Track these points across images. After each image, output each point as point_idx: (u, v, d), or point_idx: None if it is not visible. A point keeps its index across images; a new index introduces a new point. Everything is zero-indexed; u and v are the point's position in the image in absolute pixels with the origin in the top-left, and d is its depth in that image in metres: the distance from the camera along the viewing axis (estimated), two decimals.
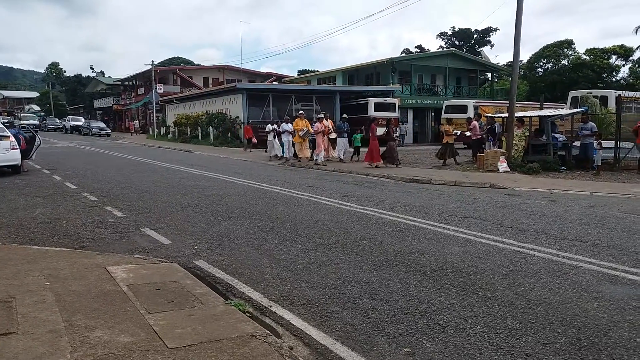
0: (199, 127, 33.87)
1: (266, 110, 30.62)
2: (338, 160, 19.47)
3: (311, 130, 19.00)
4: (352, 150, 20.36)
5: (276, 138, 21.01)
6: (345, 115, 21.70)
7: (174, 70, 55.76)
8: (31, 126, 45.87)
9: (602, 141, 15.86)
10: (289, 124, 20.16)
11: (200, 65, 63.13)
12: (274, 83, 46.83)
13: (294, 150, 20.00)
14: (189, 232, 7.25)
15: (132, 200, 10.04)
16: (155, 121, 45.20)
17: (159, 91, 46.88)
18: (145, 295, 4.47)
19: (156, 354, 3.35)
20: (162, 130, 42.71)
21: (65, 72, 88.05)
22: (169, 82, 54.30)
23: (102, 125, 50.62)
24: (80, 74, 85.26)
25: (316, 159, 18.42)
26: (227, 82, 48.10)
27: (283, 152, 20.60)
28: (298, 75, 59.88)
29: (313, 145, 19.42)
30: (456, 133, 20.10)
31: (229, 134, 30.68)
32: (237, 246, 6.45)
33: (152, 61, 46.72)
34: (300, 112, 20.38)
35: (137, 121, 54.05)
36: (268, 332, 3.80)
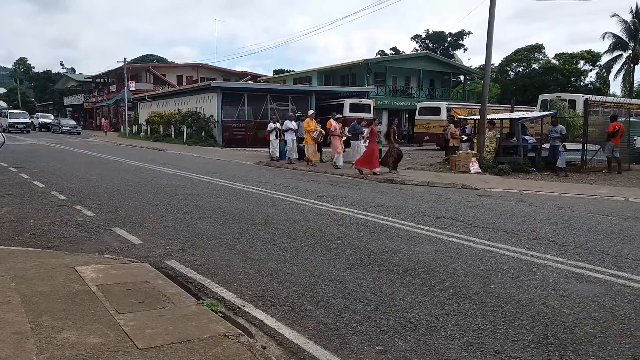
0: (172, 126, 33.45)
1: (241, 109, 30.43)
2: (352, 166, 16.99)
3: (323, 132, 17.58)
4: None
5: (278, 138, 19.65)
6: (361, 116, 20.00)
7: (147, 68, 54.91)
8: (21, 125, 44.70)
9: (571, 144, 16.28)
10: (293, 122, 18.87)
11: (174, 63, 62.34)
12: (249, 82, 46.54)
13: (297, 152, 18.65)
14: (161, 231, 7.15)
15: (103, 199, 9.85)
16: (127, 119, 44.43)
17: (131, 89, 46.08)
18: (115, 296, 4.39)
19: (126, 354, 3.30)
20: (134, 128, 42.03)
21: (34, 68, 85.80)
22: (142, 80, 53.46)
23: (73, 122, 49.44)
24: (50, 70, 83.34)
25: (336, 163, 16.81)
26: (202, 80, 47.57)
27: (285, 153, 19.23)
28: (274, 74, 59.70)
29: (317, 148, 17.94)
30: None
31: (203, 133, 30.38)
32: (210, 246, 6.40)
33: (125, 58, 45.91)
34: (311, 111, 18.92)
35: (108, 118, 53.04)
36: (241, 332, 3.78)
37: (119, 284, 4.70)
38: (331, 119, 17.36)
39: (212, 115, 30.36)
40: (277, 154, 19.66)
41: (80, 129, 48.55)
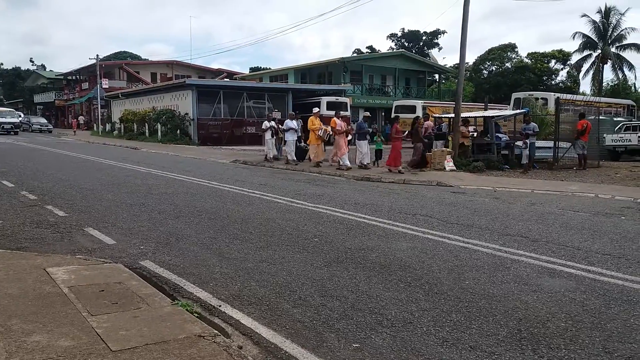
0: (147, 124, 32.97)
1: (217, 107, 30.18)
2: (359, 166, 16.22)
3: (328, 130, 16.52)
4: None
5: (274, 137, 18.69)
6: (367, 113, 19.18)
7: (120, 65, 53.98)
8: (8, 126, 37.32)
9: (543, 141, 16.65)
10: (294, 121, 17.92)
11: (148, 60, 61.28)
12: (225, 80, 46.15)
13: (294, 152, 17.77)
14: (135, 231, 7.03)
15: (75, 199, 9.64)
16: (100, 117, 43.60)
17: (104, 86, 45.23)
18: (87, 297, 4.30)
19: (98, 357, 3.23)
20: (108, 126, 41.29)
21: (2, 64, 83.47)
22: (115, 77, 52.53)
23: (44, 121, 48.26)
24: (19, 67, 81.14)
25: (342, 163, 15.85)
26: (176, 77, 47.06)
27: (279, 151, 18.69)
28: (250, 72, 59.32)
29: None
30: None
31: (178, 131, 30.02)
32: (185, 246, 6.32)
33: (97, 55, 44.92)
34: (316, 109, 17.69)
35: (82, 116, 51.93)
36: (217, 332, 3.74)
37: (91, 285, 4.61)
38: (334, 118, 16.32)
39: (187, 113, 30.03)
40: (272, 154, 18.50)
41: (51, 127, 47.43)
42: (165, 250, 6.07)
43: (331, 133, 16.44)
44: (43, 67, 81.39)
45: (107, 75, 50.33)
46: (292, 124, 17.74)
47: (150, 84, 45.58)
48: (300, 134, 18.63)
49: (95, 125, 45.41)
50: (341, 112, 17.23)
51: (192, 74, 50.75)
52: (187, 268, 5.41)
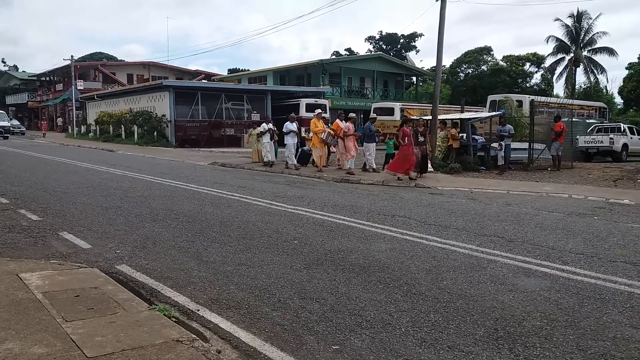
0: (123, 126, 32.50)
1: (195, 109, 29.93)
2: (367, 170, 15.77)
3: (332, 132, 15.90)
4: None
5: (272, 140, 17.88)
6: (374, 115, 18.68)
7: (96, 66, 53.18)
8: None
9: (518, 143, 16.95)
10: (294, 124, 17.03)
11: (124, 61, 60.51)
12: (203, 81, 45.83)
13: (295, 157, 16.90)
14: (111, 235, 6.92)
15: (49, 202, 9.44)
16: (75, 119, 42.81)
17: (79, 87, 44.49)
18: (62, 303, 4.22)
19: None
20: (83, 128, 40.57)
21: None
22: (90, 78, 51.74)
23: (16, 122, 47.19)
24: None
25: (350, 167, 15.09)
26: (153, 79, 46.54)
27: (276, 155, 17.93)
28: (228, 73, 58.95)
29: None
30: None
31: (155, 133, 29.67)
32: (162, 249, 6.25)
33: (72, 56, 44.16)
34: (318, 110, 16.72)
35: (60, 118, 50.84)
36: (195, 336, 3.71)
37: (66, 291, 4.52)
38: (338, 120, 15.78)
39: (164, 115, 29.70)
40: (270, 158, 17.55)
41: (24, 129, 46.42)
42: (142, 254, 5.99)
43: (334, 136, 15.90)
44: (15, 67, 79.54)
45: (82, 76, 49.54)
46: (293, 126, 16.88)
47: (127, 86, 45.00)
48: (377, 141, 16.94)
49: (70, 127, 44.57)
50: (351, 114, 16.41)
51: (169, 75, 50.22)
52: (165, 272, 5.34)
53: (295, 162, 16.80)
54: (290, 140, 16.73)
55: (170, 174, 14.84)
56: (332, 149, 16.93)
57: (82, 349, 3.38)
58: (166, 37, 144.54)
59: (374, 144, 15.96)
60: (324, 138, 15.75)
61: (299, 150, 17.46)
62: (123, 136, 31.99)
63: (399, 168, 13.77)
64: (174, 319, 4.04)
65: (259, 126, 18.62)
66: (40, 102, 59.35)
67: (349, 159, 15.18)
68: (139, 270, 5.38)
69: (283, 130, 16.97)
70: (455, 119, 18.58)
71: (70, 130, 43.50)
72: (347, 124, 15.48)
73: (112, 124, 34.32)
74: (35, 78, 62.11)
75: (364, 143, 15.81)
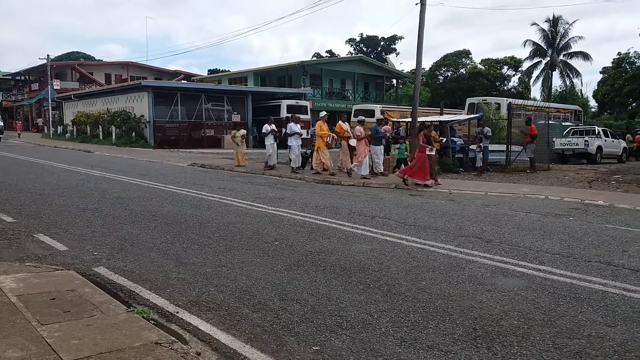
0: (100, 126, 32.01)
1: (174, 109, 29.67)
2: (376, 174, 15.31)
3: (335, 137, 15.49)
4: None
5: (276, 141, 17.32)
6: (382, 117, 18.42)
7: (73, 66, 52.26)
8: None
9: (496, 145, 17.21)
10: (299, 126, 16.41)
11: (102, 60, 59.58)
12: (183, 81, 45.42)
13: (299, 159, 16.37)
14: (88, 237, 6.81)
15: (24, 204, 9.25)
16: (51, 119, 42.00)
17: (55, 87, 43.65)
18: (38, 306, 4.14)
19: None
20: (59, 129, 39.83)
21: None
22: (67, 78, 50.81)
23: None
24: None
25: (354, 170, 14.73)
26: (132, 79, 45.98)
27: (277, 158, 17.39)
28: (208, 74, 58.54)
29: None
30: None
31: (134, 134, 29.29)
32: (141, 251, 6.17)
33: (48, 55, 43.35)
34: (323, 113, 15.93)
35: (41, 119, 49.71)
36: (174, 339, 3.67)
37: (42, 294, 4.43)
38: (340, 122, 15.46)
39: (143, 115, 29.35)
40: (273, 161, 17.18)
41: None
42: (120, 257, 5.91)
43: (337, 139, 15.54)
44: None
45: (59, 75, 48.65)
46: (297, 127, 16.24)
47: (105, 86, 44.35)
48: (384, 143, 16.22)
49: (46, 127, 43.71)
50: (344, 115, 16.14)
51: (148, 76, 49.71)
52: (143, 274, 5.28)
53: (299, 164, 16.37)
54: (295, 142, 16.16)
55: (149, 175, 14.67)
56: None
57: (58, 352, 3.32)
58: (145, 37, 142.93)
59: (381, 146, 15.63)
60: (329, 142, 15.40)
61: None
62: (101, 137, 31.51)
63: (422, 175, 13.10)
64: (152, 322, 4.00)
65: (241, 128, 18.36)
66: (15, 101, 58.09)
67: (357, 163, 14.65)
68: (116, 272, 5.31)
69: (287, 131, 16.38)
70: (435, 121, 18.77)
71: (46, 131, 42.68)
72: (359, 127, 14.97)
73: (90, 124, 33.77)
74: (10, 77, 60.74)
75: (371, 146, 15.23)
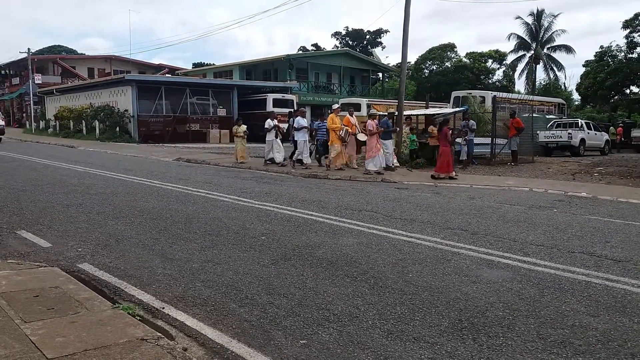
0: (84, 121, 31.56)
1: (158, 103, 29.34)
2: (386, 168, 14.96)
3: (349, 130, 15.04)
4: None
5: (278, 137, 16.55)
6: (392, 110, 17.83)
7: (55, 59, 51.38)
8: None
9: (481, 138, 17.34)
10: (305, 119, 16.05)
11: (84, 54, 58.71)
12: (167, 75, 44.93)
13: (305, 154, 15.87)
14: (72, 233, 6.73)
15: (6, 200, 9.10)
16: (33, 114, 41.32)
17: (37, 82, 42.93)
18: (21, 303, 4.08)
19: None
20: (42, 124, 39.21)
21: None
22: (49, 72, 49.98)
23: None
24: None
25: (376, 169, 14.23)
26: (115, 73, 45.36)
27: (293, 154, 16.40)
28: (193, 68, 57.95)
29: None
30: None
31: (117, 128, 28.94)
32: (126, 247, 6.11)
33: (29, 48, 42.60)
34: (336, 105, 15.72)
35: (25, 113, 48.86)
36: (160, 334, 3.64)
37: (25, 291, 4.37)
38: (348, 115, 15.26)
39: (126, 110, 28.99)
40: (278, 157, 16.41)
41: None
42: (104, 253, 5.85)
43: (351, 133, 15.11)
44: None
45: (40, 70, 47.86)
46: (304, 121, 15.89)
47: (87, 80, 43.69)
48: (393, 137, 16.00)
49: (27, 122, 43.01)
50: (351, 110, 15.92)
51: (132, 69, 49.07)
52: (128, 270, 5.23)
53: (310, 160, 16.07)
54: (302, 137, 15.72)
55: (134, 170, 14.52)
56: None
57: (42, 350, 3.28)
58: (129, 31, 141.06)
59: (392, 140, 15.45)
60: (342, 135, 14.87)
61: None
62: (84, 132, 31.07)
63: (446, 169, 13.57)
64: (138, 318, 3.97)
65: (242, 123, 17.81)
66: None
67: (369, 158, 14.35)
68: (101, 268, 5.26)
69: (294, 125, 15.89)
70: (420, 114, 18.83)
71: (28, 126, 41.98)
72: (371, 121, 14.53)
73: (73, 119, 33.25)
74: None
75: (381, 140, 14.80)
